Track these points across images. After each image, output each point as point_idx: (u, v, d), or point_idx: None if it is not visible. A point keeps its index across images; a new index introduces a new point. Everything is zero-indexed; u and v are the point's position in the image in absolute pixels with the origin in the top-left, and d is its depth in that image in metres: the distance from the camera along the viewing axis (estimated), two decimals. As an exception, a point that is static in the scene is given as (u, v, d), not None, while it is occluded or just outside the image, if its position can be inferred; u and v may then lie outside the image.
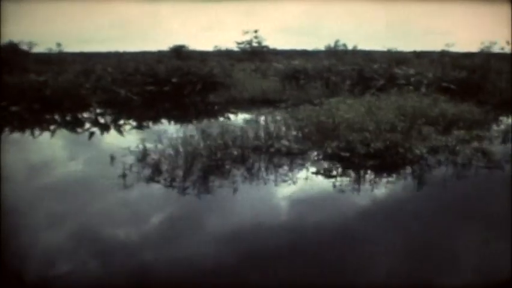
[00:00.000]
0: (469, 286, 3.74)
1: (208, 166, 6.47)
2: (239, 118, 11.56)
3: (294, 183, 6.07)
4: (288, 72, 16.12)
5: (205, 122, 11.97)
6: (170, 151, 7.03)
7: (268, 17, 63.41)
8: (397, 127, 7.17)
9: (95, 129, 11.37)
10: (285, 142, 7.11)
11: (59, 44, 27.24)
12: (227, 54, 31.16)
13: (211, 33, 60.18)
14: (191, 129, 7.88)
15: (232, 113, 13.18)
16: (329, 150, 6.73)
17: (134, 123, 12.58)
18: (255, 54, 28.77)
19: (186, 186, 5.93)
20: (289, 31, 62.91)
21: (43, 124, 12.44)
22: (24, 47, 24.10)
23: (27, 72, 17.09)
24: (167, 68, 16.77)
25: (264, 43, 29.95)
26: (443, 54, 27.96)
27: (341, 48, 34.38)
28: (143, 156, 7.00)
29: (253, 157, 6.87)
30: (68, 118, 13.40)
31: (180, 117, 13.66)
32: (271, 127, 7.80)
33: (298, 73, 15.89)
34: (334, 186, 5.86)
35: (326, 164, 6.47)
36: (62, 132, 11.36)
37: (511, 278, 3.70)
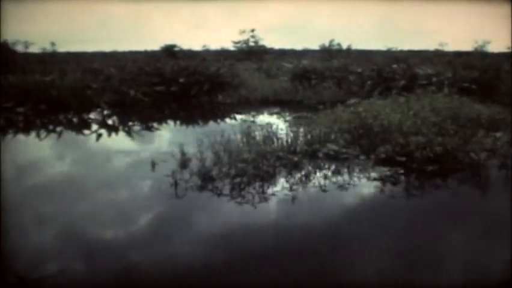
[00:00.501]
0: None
1: (258, 172, 6.11)
2: (264, 120, 11.24)
3: (345, 189, 5.80)
4: (298, 72, 15.83)
5: (228, 122, 11.73)
6: (210, 155, 6.68)
7: (255, 16, 63.02)
8: (448, 130, 6.92)
9: (103, 131, 10.95)
10: (332, 146, 6.80)
11: (53, 44, 26.37)
12: (222, 53, 30.70)
13: (198, 32, 59.54)
14: (229, 131, 7.47)
15: (253, 114, 12.87)
16: (383, 155, 6.45)
17: (143, 125, 12.20)
18: (252, 54, 28.43)
19: (241, 194, 5.58)
20: (277, 30, 62.64)
21: (49, 125, 11.99)
22: (19, 47, 23.31)
23: (23, 72, 16.52)
24: (173, 67, 16.32)
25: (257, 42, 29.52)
26: (437, 53, 28.04)
27: (336, 47, 34.17)
28: (184, 162, 6.62)
29: (303, 162, 6.53)
30: (75, 119, 12.95)
31: (191, 118, 13.30)
32: (313, 130, 7.48)
33: (309, 73, 15.62)
34: (382, 191, 5.63)
35: (382, 170, 6.16)
36: (69, 134, 10.94)
37: (511, 278, 3.66)
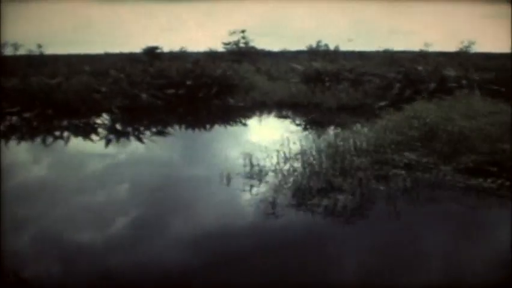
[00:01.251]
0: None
1: (350, 186, 5.60)
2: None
3: (438, 202, 5.37)
4: (311, 73, 15.41)
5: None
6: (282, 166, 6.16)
7: (229, 18, 62.31)
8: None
9: (112, 137, 10.42)
10: (410, 155, 6.36)
11: (39, 46, 24.96)
12: (210, 55, 29.82)
13: (174, 34, 58.11)
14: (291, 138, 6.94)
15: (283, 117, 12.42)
16: (471, 164, 6.04)
17: (156, 130, 11.57)
18: (242, 55, 27.79)
19: (339, 211, 5.05)
20: (252, 32, 62.04)
21: (55, 131, 11.24)
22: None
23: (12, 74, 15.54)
24: (178, 69, 15.64)
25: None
26: (422, 54, 28.07)
27: (323, 48, 33.86)
28: (259, 175, 6.05)
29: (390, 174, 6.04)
30: (82, 125, 12.17)
31: (206, 123, 12.65)
32: (378, 136, 7.02)
33: (322, 75, 15.20)
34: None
35: (484, 181, 5.70)
36: (77, 141, 10.26)
37: (511, 278, 3.57)
